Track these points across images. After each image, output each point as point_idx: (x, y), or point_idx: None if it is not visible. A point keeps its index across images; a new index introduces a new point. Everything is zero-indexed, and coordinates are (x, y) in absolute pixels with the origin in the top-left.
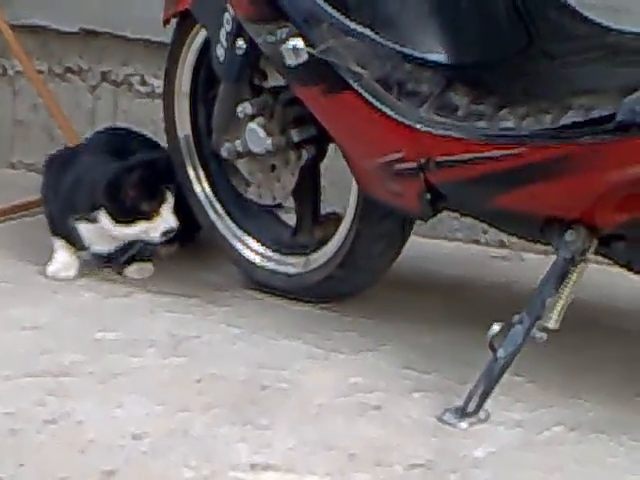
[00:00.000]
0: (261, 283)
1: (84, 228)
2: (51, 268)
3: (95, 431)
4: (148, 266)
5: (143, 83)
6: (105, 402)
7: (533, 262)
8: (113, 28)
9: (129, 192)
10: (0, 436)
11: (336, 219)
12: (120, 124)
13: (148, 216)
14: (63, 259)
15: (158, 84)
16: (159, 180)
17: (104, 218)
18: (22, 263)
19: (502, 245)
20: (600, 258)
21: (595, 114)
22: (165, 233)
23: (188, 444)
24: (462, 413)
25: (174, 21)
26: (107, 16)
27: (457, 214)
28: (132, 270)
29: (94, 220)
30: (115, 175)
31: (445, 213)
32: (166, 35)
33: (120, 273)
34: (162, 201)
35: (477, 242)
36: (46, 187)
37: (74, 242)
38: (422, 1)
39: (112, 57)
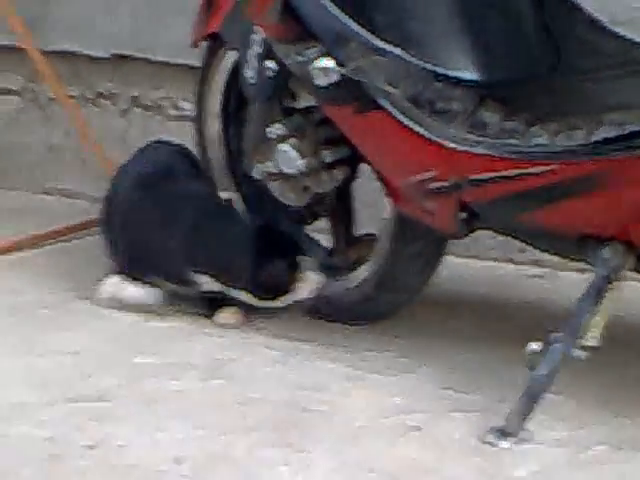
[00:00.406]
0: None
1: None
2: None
3: (136, 455)
4: (238, 314)
5: (174, 107)
6: (146, 426)
7: (569, 280)
8: (143, 52)
9: (273, 278)
10: (41, 461)
11: (371, 240)
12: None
13: (289, 288)
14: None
15: (189, 107)
16: (296, 252)
17: (243, 296)
18: (60, 289)
19: (537, 264)
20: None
21: (627, 129)
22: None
23: (229, 467)
24: (504, 433)
25: (204, 43)
26: (137, 40)
27: (492, 233)
28: (223, 317)
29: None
30: (259, 264)
31: (480, 232)
32: (196, 58)
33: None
34: (299, 270)
35: (512, 261)
36: (130, 207)
37: (182, 288)
38: (451, 19)
39: (143, 81)
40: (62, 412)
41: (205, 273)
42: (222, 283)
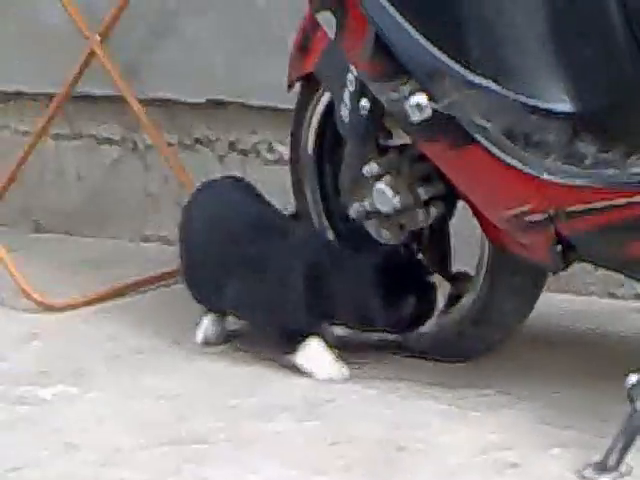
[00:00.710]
0: (394, 344)
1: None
2: None
3: None
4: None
5: (270, 150)
6: (240, 468)
7: None
8: (239, 97)
9: (406, 314)
10: None
11: (467, 277)
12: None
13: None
14: None
15: (285, 151)
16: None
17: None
18: (158, 334)
19: (638, 297)
20: None
21: None
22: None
23: None
24: (603, 468)
25: (298, 85)
26: (233, 85)
27: (591, 268)
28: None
29: None
30: (390, 303)
31: (579, 267)
32: (291, 102)
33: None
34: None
35: (613, 295)
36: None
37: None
38: (545, 51)
39: (239, 126)
40: (158, 455)
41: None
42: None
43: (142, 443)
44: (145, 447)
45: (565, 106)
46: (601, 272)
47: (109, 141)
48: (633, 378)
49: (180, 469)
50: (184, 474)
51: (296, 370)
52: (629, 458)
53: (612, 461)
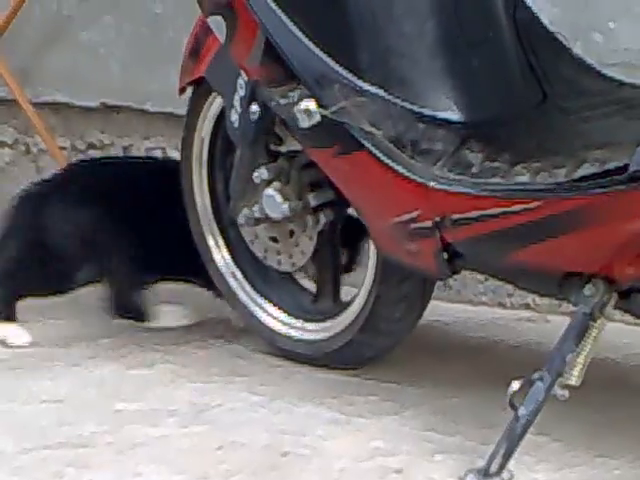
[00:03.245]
0: (283, 350)
1: None
2: None
3: None
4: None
5: (164, 156)
6: (124, 472)
7: (558, 323)
8: (133, 102)
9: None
10: None
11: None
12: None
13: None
14: None
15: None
16: None
17: None
18: (43, 338)
19: (527, 307)
20: (629, 317)
21: (609, 166)
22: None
23: None
24: (485, 474)
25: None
26: (127, 90)
27: (481, 277)
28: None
29: None
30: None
31: (469, 277)
32: (185, 107)
33: None
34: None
35: (502, 305)
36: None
37: None
38: (434, 60)
39: (133, 131)
40: (40, 459)
41: None
42: None
43: (24, 447)
44: (27, 451)
45: (453, 115)
46: (491, 282)
47: (1, 144)
48: (515, 385)
49: (62, 473)
50: (67, 478)
51: (183, 375)
52: (511, 464)
53: (494, 467)
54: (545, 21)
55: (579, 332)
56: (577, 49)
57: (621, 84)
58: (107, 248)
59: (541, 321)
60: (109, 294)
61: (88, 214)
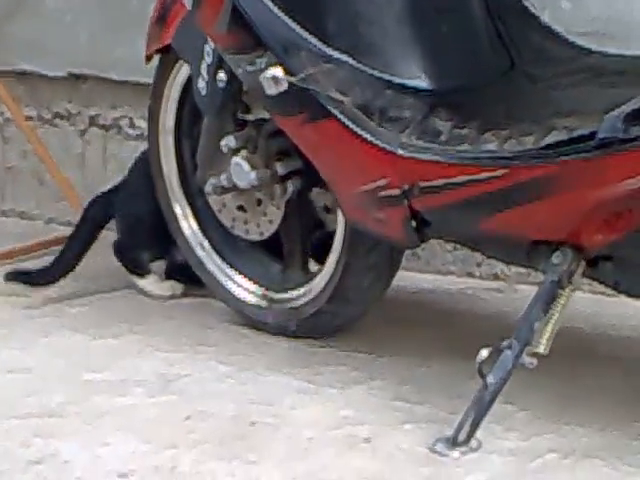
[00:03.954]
0: (251, 320)
1: None
2: None
3: (81, 471)
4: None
5: (132, 126)
6: (91, 442)
7: (527, 293)
8: (100, 71)
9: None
10: None
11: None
12: None
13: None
14: None
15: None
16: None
17: None
18: (10, 308)
19: (496, 277)
20: (597, 287)
21: (577, 133)
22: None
23: None
24: (453, 442)
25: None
26: (94, 59)
27: (450, 247)
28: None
29: None
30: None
31: (438, 247)
32: (152, 76)
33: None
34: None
35: (471, 275)
36: None
37: None
38: (402, 27)
39: (100, 101)
40: (7, 428)
41: None
42: None
43: None
44: None
45: (421, 82)
46: (460, 252)
47: None
48: (484, 353)
49: (29, 442)
50: (34, 447)
51: (152, 345)
52: (479, 433)
53: (462, 436)
54: None
55: (547, 300)
56: (545, 17)
57: (589, 52)
58: None
59: (509, 291)
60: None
61: None
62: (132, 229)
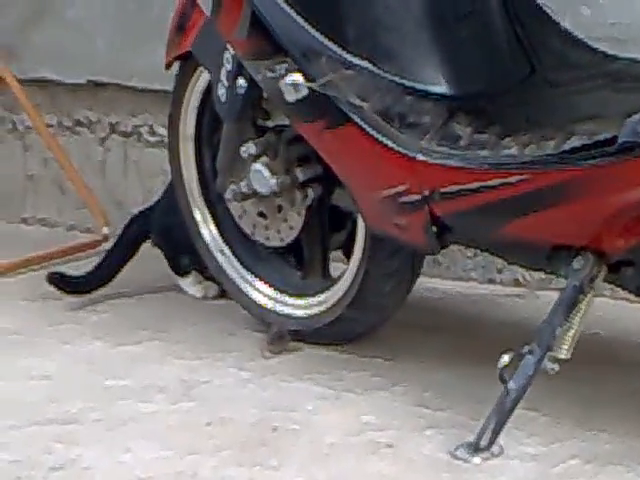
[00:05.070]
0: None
1: None
2: None
3: (102, 477)
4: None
5: (152, 133)
6: (112, 448)
7: (548, 299)
8: (120, 79)
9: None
10: None
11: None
12: None
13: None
14: None
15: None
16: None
17: None
18: (32, 316)
19: (517, 284)
20: (619, 293)
21: (598, 138)
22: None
23: None
24: (475, 448)
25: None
26: (114, 67)
27: (471, 253)
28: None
29: None
30: None
31: (459, 253)
32: (172, 83)
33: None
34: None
35: (492, 281)
36: None
37: None
38: (422, 32)
39: (120, 108)
40: (28, 435)
41: None
42: None
43: (13, 424)
44: (15, 427)
45: (441, 88)
46: (481, 258)
47: None
48: (505, 359)
49: (51, 449)
50: (55, 454)
51: (173, 352)
52: (501, 439)
53: (484, 441)
54: None
55: (569, 305)
56: (565, 23)
57: (609, 57)
58: None
59: (531, 297)
60: None
61: None
62: (169, 239)
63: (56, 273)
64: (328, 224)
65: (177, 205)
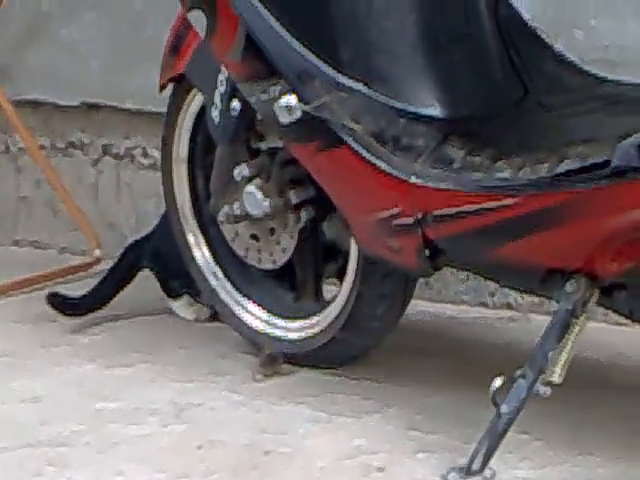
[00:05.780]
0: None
1: None
2: None
3: None
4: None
5: (145, 155)
6: (104, 471)
7: (540, 323)
8: (114, 101)
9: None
10: None
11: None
12: None
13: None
14: None
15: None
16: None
17: None
18: (23, 338)
19: (509, 307)
20: (612, 317)
21: (591, 161)
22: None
23: None
24: (467, 472)
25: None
26: (107, 89)
27: (463, 276)
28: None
29: None
30: None
31: (451, 276)
32: (166, 106)
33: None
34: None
35: (484, 304)
36: None
37: None
38: (416, 55)
39: (113, 130)
40: (19, 457)
41: None
42: None
43: (3, 446)
44: (6, 450)
45: (434, 111)
46: (473, 281)
47: None
48: (497, 382)
49: (42, 472)
50: (46, 476)
51: (165, 374)
52: (493, 462)
53: (476, 465)
54: (526, 17)
55: (561, 329)
56: (558, 46)
57: (602, 80)
58: None
59: (523, 320)
60: None
61: None
62: (161, 261)
63: (56, 294)
64: (322, 254)
65: (169, 227)
